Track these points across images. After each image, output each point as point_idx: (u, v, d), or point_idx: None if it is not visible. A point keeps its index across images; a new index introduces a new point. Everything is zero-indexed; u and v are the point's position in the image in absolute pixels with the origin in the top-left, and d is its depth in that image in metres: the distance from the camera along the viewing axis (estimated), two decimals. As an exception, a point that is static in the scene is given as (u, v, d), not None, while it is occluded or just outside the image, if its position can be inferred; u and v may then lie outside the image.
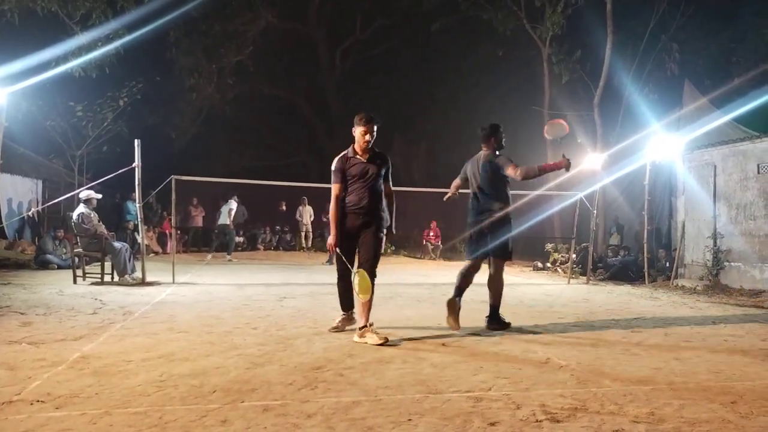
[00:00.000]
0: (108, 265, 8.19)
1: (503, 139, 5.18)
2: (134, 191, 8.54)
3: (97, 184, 8.73)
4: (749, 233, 9.44)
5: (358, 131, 4.48)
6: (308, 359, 3.77)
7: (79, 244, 8.24)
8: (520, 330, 5.08)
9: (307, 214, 16.62)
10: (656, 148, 10.49)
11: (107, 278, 8.14)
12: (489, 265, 5.13)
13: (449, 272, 12.13)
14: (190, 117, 19.98)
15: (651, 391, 3.22)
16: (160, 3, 12.67)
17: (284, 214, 18.15)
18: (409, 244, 17.68)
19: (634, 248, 12.87)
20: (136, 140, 8.05)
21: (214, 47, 19.02)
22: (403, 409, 2.82)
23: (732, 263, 9.65)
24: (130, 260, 8.16)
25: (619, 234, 14.26)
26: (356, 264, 4.49)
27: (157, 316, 5.37)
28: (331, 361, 3.72)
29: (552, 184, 10.46)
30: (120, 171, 8.26)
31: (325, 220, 14.67)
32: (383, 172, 4.57)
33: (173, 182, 8.75)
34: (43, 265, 9.92)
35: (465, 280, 5.11)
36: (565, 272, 11.33)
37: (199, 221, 16.59)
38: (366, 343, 4.25)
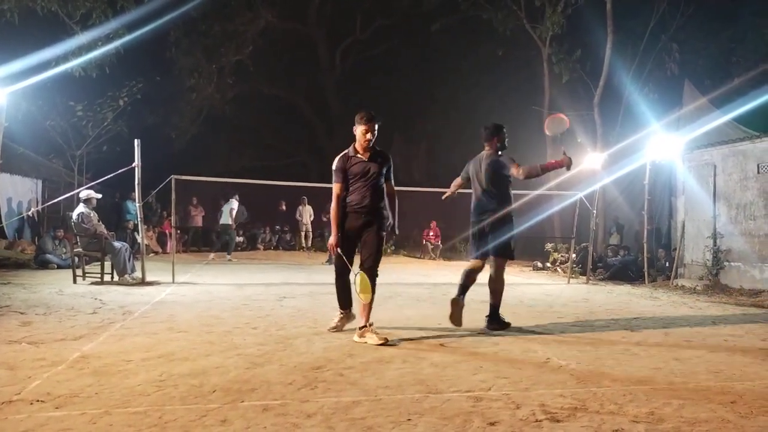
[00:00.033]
0: (108, 264, 8.20)
1: (506, 140, 5.19)
2: (134, 191, 8.53)
3: (96, 183, 8.73)
4: (749, 233, 9.45)
5: (359, 130, 4.46)
6: (308, 359, 3.77)
7: (79, 243, 8.24)
8: (520, 330, 5.08)
9: (306, 213, 16.63)
10: (656, 147, 10.49)
11: (107, 278, 8.14)
12: (490, 264, 5.13)
13: (449, 272, 12.14)
14: (190, 117, 19.97)
15: (651, 391, 3.22)
16: (160, 3, 12.67)
17: (284, 214, 18.15)
18: (409, 244, 17.69)
19: (633, 248, 12.87)
20: (135, 140, 8.05)
21: (213, 47, 19.01)
22: (403, 408, 2.82)
23: (732, 263, 9.65)
24: (129, 260, 8.16)
25: (618, 234, 14.25)
26: (356, 263, 4.48)
27: (157, 315, 5.37)
28: (330, 361, 3.72)
29: (552, 183, 10.46)
30: (120, 171, 8.26)
31: (325, 219, 14.69)
32: (384, 170, 4.54)
33: (173, 182, 8.75)
34: (43, 264, 9.92)
35: (468, 279, 5.11)
36: (564, 272, 11.33)
37: (198, 221, 16.60)
38: (366, 342, 4.25)
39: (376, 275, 4.43)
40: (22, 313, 5.26)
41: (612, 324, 5.58)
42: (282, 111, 23.87)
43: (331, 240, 4.47)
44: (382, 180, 4.54)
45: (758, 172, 9.36)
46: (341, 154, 4.56)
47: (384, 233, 4.54)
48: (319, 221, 16.68)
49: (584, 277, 10.62)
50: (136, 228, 11.64)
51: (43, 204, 14.21)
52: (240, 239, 16.45)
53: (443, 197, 5.77)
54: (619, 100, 15.14)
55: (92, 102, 14.89)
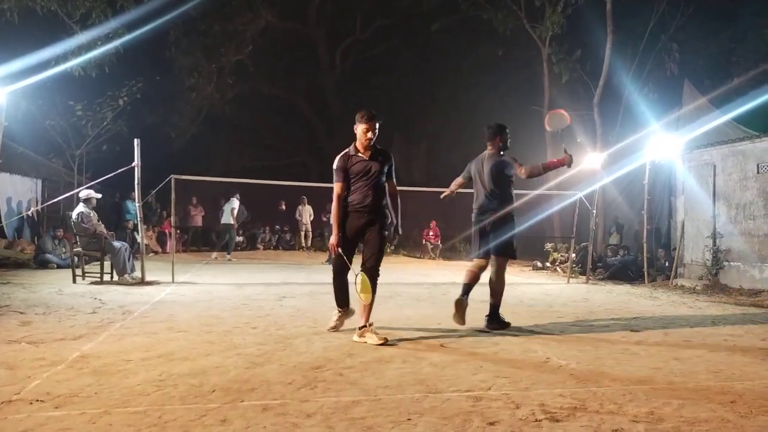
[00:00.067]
0: (107, 264, 8.19)
1: (508, 140, 5.20)
2: (134, 190, 8.53)
3: (96, 183, 8.73)
4: (748, 233, 9.45)
5: (359, 129, 4.43)
6: (308, 359, 3.77)
7: (79, 243, 8.23)
8: (520, 329, 5.08)
9: (306, 213, 16.62)
10: (656, 147, 10.49)
11: (107, 278, 8.14)
12: (491, 263, 5.13)
13: (449, 272, 12.15)
14: (190, 116, 19.96)
15: (650, 391, 3.22)
16: (160, 2, 12.66)
17: (284, 214, 18.15)
18: (409, 244, 17.69)
19: (633, 248, 12.87)
20: (135, 139, 8.04)
21: (213, 47, 19.00)
22: (403, 408, 2.82)
23: (731, 263, 9.65)
24: (129, 260, 8.15)
25: (618, 233, 14.26)
26: (356, 263, 4.47)
27: (157, 315, 5.36)
28: (330, 361, 3.72)
29: (552, 183, 10.48)
30: (119, 170, 8.26)
31: (324, 219, 14.70)
32: (386, 169, 4.51)
33: (173, 181, 8.75)
34: (43, 264, 9.91)
35: (472, 279, 5.12)
36: (564, 272, 11.33)
37: (198, 221, 16.59)
38: (366, 342, 4.25)
39: (378, 275, 4.42)
40: (21, 313, 5.26)
41: (612, 324, 5.58)
42: (282, 111, 23.86)
43: (332, 240, 4.44)
44: (384, 179, 4.51)
45: (758, 172, 9.37)
46: (342, 154, 4.53)
47: (386, 233, 4.52)
48: (318, 221, 16.68)
49: (584, 277, 10.62)
50: (135, 228, 11.64)
51: (42, 203, 14.20)
52: (240, 239, 16.46)
53: (442, 196, 5.77)
54: (618, 100, 15.14)
55: (92, 101, 14.88)
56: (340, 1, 22.26)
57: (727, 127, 10.57)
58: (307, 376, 3.35)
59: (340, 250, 4.40)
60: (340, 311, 4.70)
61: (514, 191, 5.26)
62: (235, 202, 14.03)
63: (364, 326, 4.34)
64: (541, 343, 4.51)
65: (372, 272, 4.36)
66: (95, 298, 6.35)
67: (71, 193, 10.85)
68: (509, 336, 4.76)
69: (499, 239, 5.04)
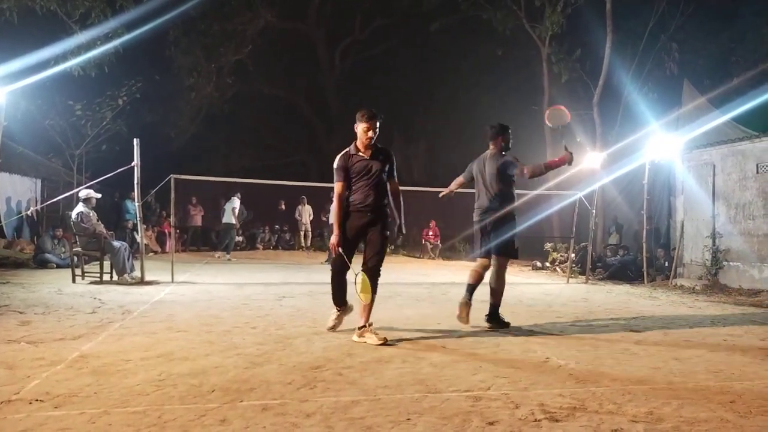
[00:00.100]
0: (107, 264, 8.19)
1: (510, 140, 5.21)
2: (133, 190, 8.53)
3: (96, 183, 8.72)
4: (748, 233, 9.45)
5: (360, 128, 4.40)
6: (307, 358, 3.77)
7: (78, 243, 8.23)
8: (519, 329, 5.08)
9: (306, 213, 16.62)
10: (655, 147, 10.49)
11: (106, 277, 8.14)
12: (492, 263, 5.14)
13: (448, 271, 12.15)
14: (189, 116, 19.96)
15: (650, 391, 3.22)
16: (159, 2, 12.66)
17: (283, 214, 18.15)
18: (408, 244, 17.70)
19: (633, 248, 12.88)
20: (135, 139, 8.04)
21: (213, 46, 18.99)
22: (402, 408, 2.82)
23: (731, 263, 9.66)
24: (129, 259, 8.15)
25: (618, 233, 14.26)
26: (355, 263, 4.47)
27: (156, 315, 5.36)
28: (330, 361, 3.72)
29: (551, 183, 10.47)
30: (119, 170, 8.25)
31: (324, 219, 14.68)
32: (387, 168, 4.48)
33: (172, 181, 8.75)
34: (42, 264, 9.91)
35: (476, 279, 5.13)
36: (564, 272, 11.34)
37: (198, 220, 16.59)
38: (365, 342, 4.25)
39: (379, 275, 4.42)
40: (21, 313, 5.26)
41: (611, 324, 5.58)
42: (282, 111, 23.86)
43: (333, 239, 4.41)
44: (385, 178, 4.49)
45: (757, 172, 9.37)
46: (342, 153, 4.51)
47: (388, 232, 4.50)
48: (318, 221, 16.67)
49: (583, 277, 10.62)
50: (135, 227, 11.63)
51: (42, 203, 14.19)
52: (239, 239, 16.46)
53: (440, 195, 5.78)
54: (618, 99, 15.14)
55: (91, 101, 14.88)
56: (340, 1, 22.26)
57: (726, 127, 10.57)
58: (307, 376, 3.35)
59: (340, 249, 4.37)
60: (338, 310, 4.69)
61: (515, 191, 5.27)
62: (236, 202, 14.04)
63: (364, 326, 4.33)
64: (540, 343, 4.51)
65: (373, 272, 4.35)
66: (95, 298, 6.35)
67: (71, 192, 10.84)
68: (509, 336, 4.76)
69: (500, 239, 5.05)
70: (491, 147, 5.20)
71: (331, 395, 3.00)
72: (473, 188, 5.40)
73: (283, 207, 18.06)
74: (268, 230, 18.11)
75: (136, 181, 8.02)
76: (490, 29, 16.88)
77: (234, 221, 14.02)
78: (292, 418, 2.64)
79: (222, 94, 19.88)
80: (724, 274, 9.69)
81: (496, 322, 5.09)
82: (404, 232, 4.69)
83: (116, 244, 8.18)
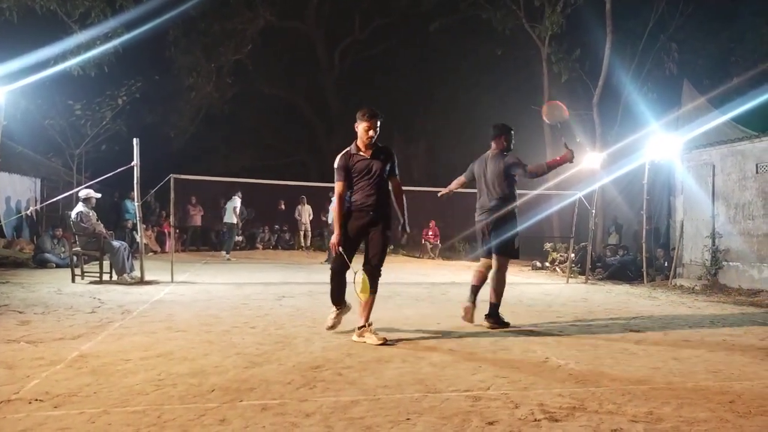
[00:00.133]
0: (106, 264, 8.18)
1: (512, 141, 5.23)
2: (133, 190, 8.53)
3: (95, 182, 8.72)
4: (747, 233, 9.45)
5: (361, 127, 4.36)
6: (307, 358, 3.77)
7: (78, 242, 8.23)
8: (519, 329, 5.08)
9: (306, 213, 16.63)
10: (655, 147, 10.49)
11: (106, 277, 8.13)
12: (493, 262, 5.14)
13: (448, 271, 12.15)
14: (189, 116, 19.96)
15: (649, 391, 3.22)
16: (159, 2, 12.66)
17: (283, 213, 18.15)
18: (408, 243, 17.68)
19: (632, 248, 12.88)
20: (134, 139, 8.04)
21: (212, 46, 19.00)
22: (402, 408, 2.82)
23: (730, 263, 9.66)
24: (128, 259, 8.15)
25: (617, 233, 14.27)
26: (355, 262, 4.46)
27: (156, 315, 5.36)
28: (329, 361, 3.72)
29: (551, 183, 10.47)
30: (119, 170, 8.25)
31: (324, 219, 14.69)
32: (388, 167, 4.45)
33: (172, 181, 8.75)
34: (42, 263, 9.90)
35: (480, 280, 5.15)
36: (563, 272, 11.34)
37: (197, 220, 16.59)
38: (365, 342, 4.24)
39: (380, 275, 4.41)
40: (20, 312, 5.26)
41: (611, 324, 5.58)
42: (282, 111, 23.86)
43: (333, 238, 4.38)
44: (386, 177, 4.46)
45: (757, 172, 9.37)
46: (343, 152, 4.48)
47: (389, 232, 4.48)
48: (318, 221, 16.67)
49: (583, 277, 10.62)
50: (134, 227, 11.64)
51: (41, 203, 14.19)
52: (239, 238, 16.46)
53: (439, 195, 5.78)
54: (618, 99, 15.15)
55: (91, 101, 14.88)
56: (339, 1, 22.26)
57: (726, 127, 10.58)
58: (306, 375, 3.35)
59: (340, 249, 4.35)
60: (337, 309, 4.65)
61: (516, 191, 5.28)
62: (237, 201, 14.04)
63: (364, 326, 4.33)
64: (540, 342, 4.51)
65: (374, 272, 4.35)
66: (94, 298, 6.35)
67: (70, 192, 10.84)
68: (508, 336, 4.76)
69: (500, 238, 5.06)
70: (493, 146, 5.21)
71: (331, 395, 3.00)
72: (473, 188, 5.40)
73: (283, 207, 18.07)
74: (268, 230, 18.11)
75: (135, 181, 8.02)
76: (490, 29, 16.88)
77: (235, 221, 14.03)
78: (292, 418, 2.64)
79: (222, 94, 19.88)
80: (724, 274, 9.70)
81: (495, 321, 5.09)
82: (408, 230, 4.66)
83: (116, 243, 8.17)
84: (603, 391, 3.19)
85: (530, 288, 9.06)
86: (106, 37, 11.80)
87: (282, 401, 2.88)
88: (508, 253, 5.13)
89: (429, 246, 16.94)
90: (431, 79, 22.21)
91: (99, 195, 8.51)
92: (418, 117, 22.70)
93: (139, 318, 5.16)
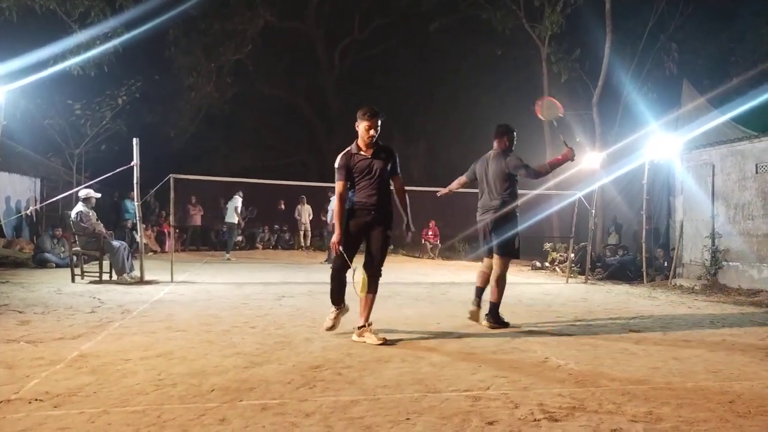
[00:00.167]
0: (106, 263, 8.18)
1: (514, 142, 5.24)
2: (133, 190, 8.53)
3: (95, 182, 8.73)
4: (747, 233, 9.46)
5: (361, 126, 4.34)
6: (307, 358, 3.77)
7: (78, 242, 8.22)
8: (519, 329, 5.08)
9: (305, 213, 16.63)
10: (655, 147, 10.50)
11: (105, 277, 8.13)
12: (494, 262, 5.15)
13: (447, 271, 12.16)
14: (189, 116, 19.95)
15: (649, 391, 3.22)
16: (159, 1, 12.66)
17: (283, 213, 18.16)
18: (408, 243, 17.69)
19: (632, 248, 12.88)
20: (134, 139, 8.04)
21: (213, 46, 18.99)
22: (402, 408, 2.82)
23: (730, 263, 9.66)
24: (128, 259, 8.15)
25: (617, 233, 14.27)
26: (355, 262, 4.46)
27: (156, 314, 5.36)
28: (329, 360, 3.72)
29: (551, 183, 10.47)
30: (118, 169, 8.25)
31: (323, 219, 14.69)
32: (389, 166, 4.43)
33: (171, 181, 8.75)
34: (42, 263, 9.90)
35: (484, 282, 5.18)
36: (563, 272, 11.34)
37: (197, 220, 16.59)
38: (365, 342, 4.24)
39: (380, 275, 4.41)
40: (20, 312, 5.26)
41: (610, 323, 5.59)
42: (282, 111, 23.85)
43: (334, 238, 4.35)
44: (388, 176, 4.45)
45: (756, 172, 9.37)
46: (344, 152, 4.45)
47: (390, 232, 4.47)
48: (318, 220, 16.67)
49: (583, 277, 10.62)
50: (134, 227, 11.64)
51: (41, 203, 14.19)
52: (239, 238, 16.47)
53: (439, 194, 5.79)
54: (617, 99, 15.15)
55: (91, 101, 14.87)
56: (339, 1, 22.25)
57: (726, 127, 10.57)
58: (306, 375, 3.35)
59: (341, 248, 4.32)
60: (336, 310, 4.61)
61: (518, 191, 5.28)
62: (238, 200, 14.04)
63: (364, 326, 4.33)
64: (539, 342, 4.51)
65: (374, 272, 4.34)
66: (94, 298, 6.35)
67: (70, 192, 10.83)
68: (508, 336, 4.76)
69: (501, 238, 5.07)
70: (496, 146, 5.23)
71: (331, 395, 3.00)
72: (473, 188, 5.40)
73: (283, 207, 18.07)
74: (268, 230, 18.11)
75: (135, 181, 8.02)
76: (490, 29, 16.88)
77: (236, 220, 14.04)
78: (292, 418, 2.64)
79: (222, 94, 19.88)
80: (724, 274, 9.70)
81: (495, 321, 5.10)
82: (413, 229, 4.65)
83: (115, 243, 8.17)
84: (603, 391, 3.19)
85: (530, 288, 9.06)
86: (106, 37, 11.79)
87: (282, 401, 2.88)
88: (508, 252, 5.14)
89: (429, 246, 16.94)
90: (431, 79, 22.20)
91: (99, 195, 8.51)
92: (418, 117, 22.69)
93: (139, 318, 5.16)
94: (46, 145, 15.41)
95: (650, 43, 14.99)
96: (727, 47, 16.10)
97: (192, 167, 13.78)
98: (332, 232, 4.46)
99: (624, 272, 11.17)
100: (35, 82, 10.69)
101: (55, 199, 11.18)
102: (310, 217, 16.74)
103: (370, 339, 4.24)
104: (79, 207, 8.20)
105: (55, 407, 2.70)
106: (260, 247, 17.42)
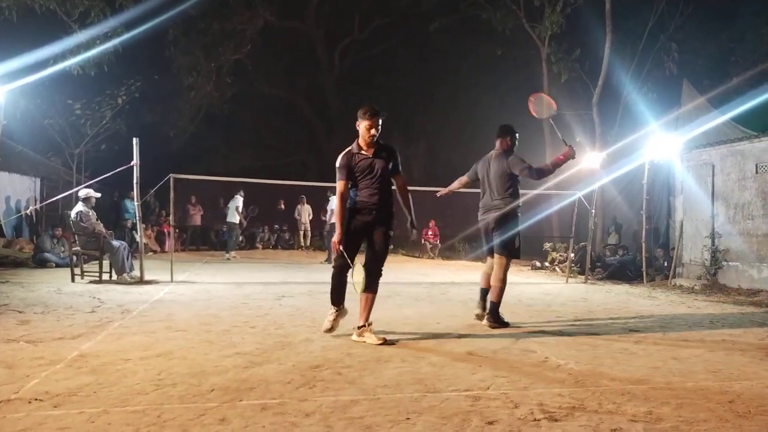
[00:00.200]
0: (106, 263, 8.18)
1: (516, 143, 5.26)
2: (132, 189, 8.53)
3: (95, 182, 8.72)
4: (747, 233, 9.46)
5: (362, 125, 4.32)
6: (306, 358, 3.77)
7: (78, 242, 8.22)
8: (519, 329, 5.08)
9: (305, 213, 16.63)
10: (655, 147, 10.50)
11: (105, 277, 8.13)
12: (495, 261, 5.15)
13: (447, 271, 12.16)
14: (189, 115, 19.95)
15: (649, 390, 3.22)
16: (159, 1, 12.65)
17: (283, 213, 18.16)
18: (408, 243, 17.69)
19: (632, 247, 12.88)
20: (134, 138, 8.04)
21: (212, 46, 18.99)
22: (402, 407, 2.82)
23: (730, 263, 9.66)
24: (128, 259, 8.15)
25: (617, 233, 14.27)
26: (356, 260, 4.45)
27: (156, 314, 5.36)
28: (329, 360, 3.72)
29: (551, 183, 10.47)
30: (118, 169, 8.25)
31: (323, 218, 14.69)
32: (391, 165, 4.42)
33: (171, 181, 8.75)
34: (41, 263, 9.90)
35: (487, 283, 5.20)
36: (563, 271, 11.34)
37: (197, 220, 16.60)
38: (364, 342, 4.24)
39: (380, 275, 4.40)
40: (20, 312, 5.25)
41: (610, 323, 5.59)
42: (282, 111, 23.85)
43: (335, 238, 4.34)
44: (389, 176, 4.44)
45: (756, 172, 9.37)
46: (345, 151, 4.43)
47: (391, 232, 4.46)
48: (318, 220, 16.67)
49: (582, 277, 10.63)
50: (134, 227, 11.64)
51: (41, 202, 14.19)
52: (239, 238, 16.46)
53: (439, 194, 5.80)
54: (617, 99, 15.15)
55: (91, 100, 14.87)
56: (339, 1, 22.24)
57: (725, 127, 10.57)
58: (306, 375, 3.35)
59: (341, 248, 4.31)
60: (336, 310, 4.59)
61: (519, 191, 5.29)
62: (239, 200, 14.05)
63: (363, 326, 4.33)
64: (539, 342, 4.51)
65: (375, 272, 4.34)
66: (94, 297, 6.35)
67: (70, 192, 10.83)
68: (508, 336, 4.76)
69: (502, 237, 5.07)
70: (498, 146, 5.23)
71: (331, 395, 3.00)
72: (473, 188, 5.41)
73: (283, 207, 18.07)
74: (268, 230, 18.11)
75: (135, 181, 8.02)
76: (490, 29, 16.87)
77: (237, 220, 14.04)
78: (291, 418, 2.64)
79: (221, 94, 19.88)
80: (723, 274, 9.70)
81: (495, 321, 5.10)
82: (417, 227, 4.65)
83: (115, 243, 8.17)
84: (602, 390, 3.19)
85: (530, 288, 9.06)
86: (106, 37, 11.80)
87: (282, 401, 2.88)
88: (509, 252, 5.14)
89: (429, 246, 16.94)
90: (431, 79, 22.19)
91: (99, 194, 8.51)
92: (418, 117, 22.68)
93: (139, 318, 5.16)
94: (46, 145, 15.41)
95: (650, 43, 14.99)
96: (727, 47, 16.10)
97: (192, 167, 13.78)
98: (332, 232, 4.45)
99: (624, 272, 11.17)
100: (35, 82, 10.69)
101: (55, 198, 11.18)
102: (310, 217, 16.75)
103: (370, 339, 4.24)
104: (79, 207, 8.20)
105: (55, 407, 2.70)
106: (260, 247, 17.42)
